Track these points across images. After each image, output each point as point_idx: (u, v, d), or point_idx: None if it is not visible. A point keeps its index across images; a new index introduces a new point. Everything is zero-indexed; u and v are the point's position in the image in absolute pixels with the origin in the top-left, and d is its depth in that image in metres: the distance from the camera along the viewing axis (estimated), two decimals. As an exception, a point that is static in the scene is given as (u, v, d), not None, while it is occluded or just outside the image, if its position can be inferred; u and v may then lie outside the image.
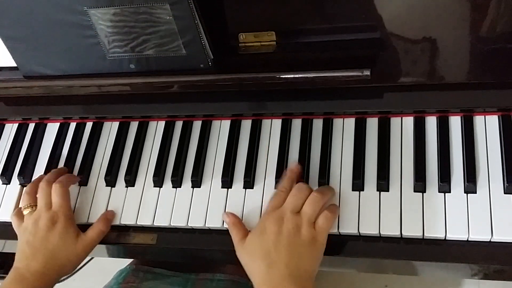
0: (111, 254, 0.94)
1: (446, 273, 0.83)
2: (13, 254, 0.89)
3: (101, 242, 0.89)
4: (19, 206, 0.91)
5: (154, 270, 1.00)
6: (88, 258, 1.72)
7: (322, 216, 0.76)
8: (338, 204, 0.80)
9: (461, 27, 0.75)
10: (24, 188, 0.92)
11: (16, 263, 0.84)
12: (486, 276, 0.79)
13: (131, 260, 1.08)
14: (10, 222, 0.93)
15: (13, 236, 0.92)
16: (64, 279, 1.65)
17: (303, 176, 0.83)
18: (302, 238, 0.73)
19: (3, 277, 1.27)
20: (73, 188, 0.92)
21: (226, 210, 0.84)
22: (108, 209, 0.89)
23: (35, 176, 0.97)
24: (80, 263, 0.87)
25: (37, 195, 0.88)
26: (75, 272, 1.67)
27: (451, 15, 0.74)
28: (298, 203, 0.76)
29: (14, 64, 0.89)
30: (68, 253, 0.84)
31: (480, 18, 0.74)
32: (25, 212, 0.87)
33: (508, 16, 0.73)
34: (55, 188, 0.86)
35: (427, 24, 0.76)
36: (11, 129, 1.03)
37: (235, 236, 0.79)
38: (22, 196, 0.90)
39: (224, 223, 0.83)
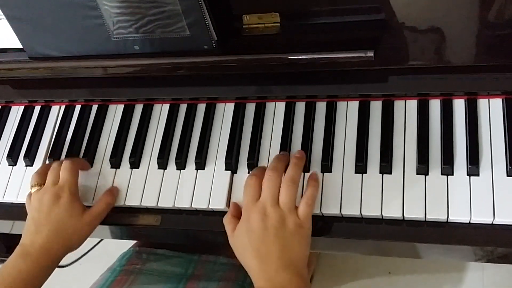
0: (115, 236, 0.95)
1: (449, 256, 0.83)
2: (20, 236, 0.89)
3: (106, 223, 0.90)
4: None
5: (157, 251, 1.01)
6: (94, 242, 1.75)
7: (302, 203, 0.76)
8: (340, 187, 0.80)
9: (466, 10, 0.75)
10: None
11: (22, 240, 0.84)
12: (490, 260, 0.79)
13: (134, 242, 1.09)
14: (17, 203, 0.95)
15: (20, 217, 0.93)
16: (70, 264, 1.67)
17: (306, 159, 0.83)
18: (288, 229, 0.74)
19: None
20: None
21: (230, 192, 0.85)
22: (112, 191, 0.90)
23: (40, 158, 0.98)
24: (86, 238, 0.87)
25: (48, 174, 0.88)
26: (81, 257, 1.69)
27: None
28: (275, 193, 0.76)
29: (19, 46, 0.89)
30: (74, 227, 0.84)
31: (486, 0, 0.73)
32: (33, 190, 0.88)
33: (514, -2, 0.72)
34: (65, 164, 0.87)
35: (432, 6, 0.75)
36: (17, 111, 1.04)
37: (227, 227, 0.79)
38: (32, 176, 0.90)
39: (227, 205, 0.84)
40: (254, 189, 0.77)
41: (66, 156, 0.96)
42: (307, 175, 0.82)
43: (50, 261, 0.83)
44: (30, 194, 0.89)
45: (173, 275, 0.95)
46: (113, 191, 0.89)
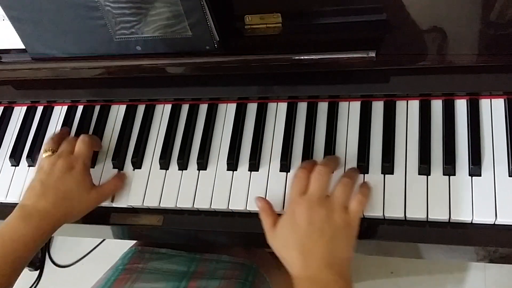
0: (118, 236, 0.95)
1: (451, 256, 0.83)
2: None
3: (108, 224, 0.90)
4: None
5: (159, 250, 1.01)
6: (96, 243, 1.75)
7: (355, 200, 0.74)
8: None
9: (468, 10, 0.75)
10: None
11: (23, 201, 0.83)
12: (492, 260, 0.79)
13: (135, 242, 1.09)
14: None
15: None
16: (72, 264, 1.67)
17: (308, 159, 0.83)
18: (335, 224, 0.71)
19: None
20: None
21: (232, 193, 0.85)
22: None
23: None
24: (87, 212, 0.86)
25: (62, 143, 0.89)
26: (83, 258, 1.70)
27: (458, -3, 0.74)
28: (323, 187, 0.74)
29: (22, 46, 0.90)
30: (80, 198, 0.84)
31: (488, 0, 0.73)
32: (44, 154, 0.88)
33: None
34: (83, 137, 0.88)
35: (433, 6, 0.75)
36: (20, 112, 1.04)
37: (265, 223, 0.77)
38: (45, 140, 0.90)
39: (230, 205, 0.84)
40: (302, 182, 0.75)
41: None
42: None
43: (51, 227, 0.82)
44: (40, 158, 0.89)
45: (175, 273, 0.95)
46: (122, 177, 0.90)
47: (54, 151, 0.88)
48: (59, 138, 0.91)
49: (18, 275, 0.80)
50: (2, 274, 0.77)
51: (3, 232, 0.80)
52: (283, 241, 0.74)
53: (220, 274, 0.94)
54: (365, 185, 0.78)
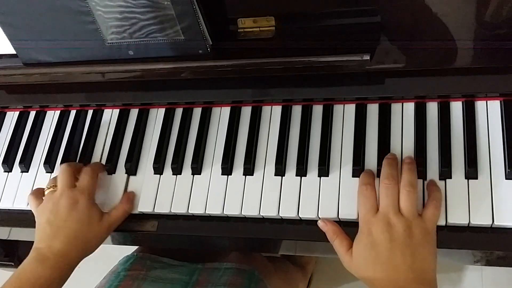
0: (113, 241, 0.94)
1: (449, 259, 0.83)
2: (18, 242, 0.88)
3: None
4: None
5: (161, 259, 1.00)
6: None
7: (431, 206, 0.73)
8: (338, 191, 0.80)
9: (464, 11, 0.74)
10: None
11: (36, 244, 0.82)
12: (489, 262, 0.79)
13: (136, 247, 1.09)
14: (14, 210, 0.94)
15: (17, 223, 0.93)
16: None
17: (303, 163, 0.83)
18: (416, 238, 0.70)
19: (9, 265, 1.28)
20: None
21: (227, 197, 0.84)
22: (109, 197, 0.89)
23: (35, 164, 0.97)
24: (102, 242, 0.86)
25: (58, 176, 0.86)
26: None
27: (454, -1, 0.74)
28: (395, 201, 0.72)
29: (13, 52, 0.89)
30: (92, 232, 0.83)
31: (483, 2, 0.73)
32: (47, 191, 0.86)
33: (512, 0, 0.72)
34: (86, 169, 0.86)
35: (428, 8, 0.75)
36: (12, 117, 1.03)
37: (339, 247, 0.75)
38: (49, 180, 0.88)
39: (225, 209, 0.83)
40: (371, 200, 0.74)
41: (62, 161, 0.95)
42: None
43: (68, 266, 0.81)
44: (36, 193, 0.87)
45: (178, 282, 0.95)
46: (130, 197, 0.88)
47: (56, 186, 0.86)
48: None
49: None
50: None
51: (20, 274, 0.79)
52: (365, 264, 0.72)
53: (223, 281, 0.94)
54: (435, 188, 0.76)
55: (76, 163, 0.89)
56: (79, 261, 0.83)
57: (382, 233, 0.71)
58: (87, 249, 0.84)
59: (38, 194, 0.88)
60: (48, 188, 0.87)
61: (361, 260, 0.72)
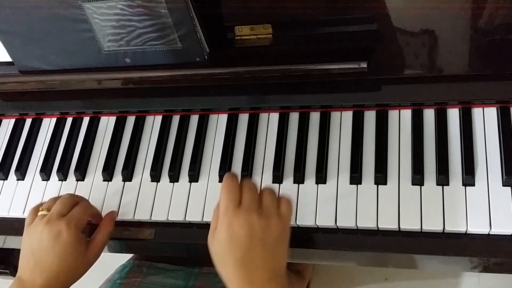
0: (109, 249, 0.94)
1: (446, 266, 0.82)
2: (13, 250, 0.87)
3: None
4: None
5: (157, 265, 0.99)
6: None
7: (283, 203, 0.72)
8: (335, 198, 0.80)
9: (459, 19, 0.75)
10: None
11: (20, 272, 0.79)
12: (486, 269, 0.79)
13: (132, 255, 1.08)
14: (10, 218, 0.94)
15: (13, 232, 0.92)
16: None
17: (300, 170, 0.83)
18: (275, 233, 0.69)
19: (4, 273, 1.28)
20: (70, 183, 0.93)
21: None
22: (105, 204, 0.89)
23: (31, 172, 0.96)
24: (90, 267, 0.83)
25: (56, 202, 0.83)
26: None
27: (450, 6, 0.74)
28: (257, 197, 0.71)
29: (9, 59, 0.88)
30: (78, 262, 0.80)
31: (479, 9, 0.73)
32: (40, 213, 0.82)
33: (507, 7, 0.72)
34: (82, 202, 0.83)
35: (425, 15, 0.75)
36: (8, 124, 1.02)
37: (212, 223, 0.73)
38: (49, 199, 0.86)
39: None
40: (235, 192, 0.71)
41: (58, 169, 0.94)
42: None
43: None
44: (34, 210, 0.84)
45: (174, 287, 0.94)
46: (112, 217, 0.86)
47: (49, 210, 0.82)
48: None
49: None
50: None
51: None
52: (221, 255, 0.70)
53: (220, 286, 0.93)
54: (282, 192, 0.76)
55: (79, 196, 0.87)
56: None
57: (243, 228, 0.68)
58: (74, 278, 0.81)
59: (36, 211, 0.84)
60: (43, 209, 0.83)
61: (218, 251, 0.69)
